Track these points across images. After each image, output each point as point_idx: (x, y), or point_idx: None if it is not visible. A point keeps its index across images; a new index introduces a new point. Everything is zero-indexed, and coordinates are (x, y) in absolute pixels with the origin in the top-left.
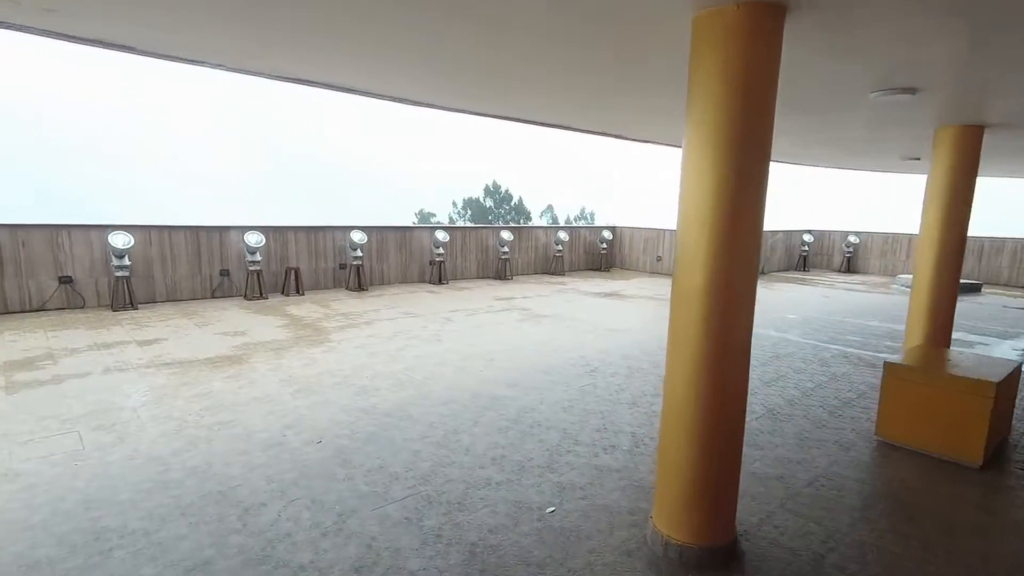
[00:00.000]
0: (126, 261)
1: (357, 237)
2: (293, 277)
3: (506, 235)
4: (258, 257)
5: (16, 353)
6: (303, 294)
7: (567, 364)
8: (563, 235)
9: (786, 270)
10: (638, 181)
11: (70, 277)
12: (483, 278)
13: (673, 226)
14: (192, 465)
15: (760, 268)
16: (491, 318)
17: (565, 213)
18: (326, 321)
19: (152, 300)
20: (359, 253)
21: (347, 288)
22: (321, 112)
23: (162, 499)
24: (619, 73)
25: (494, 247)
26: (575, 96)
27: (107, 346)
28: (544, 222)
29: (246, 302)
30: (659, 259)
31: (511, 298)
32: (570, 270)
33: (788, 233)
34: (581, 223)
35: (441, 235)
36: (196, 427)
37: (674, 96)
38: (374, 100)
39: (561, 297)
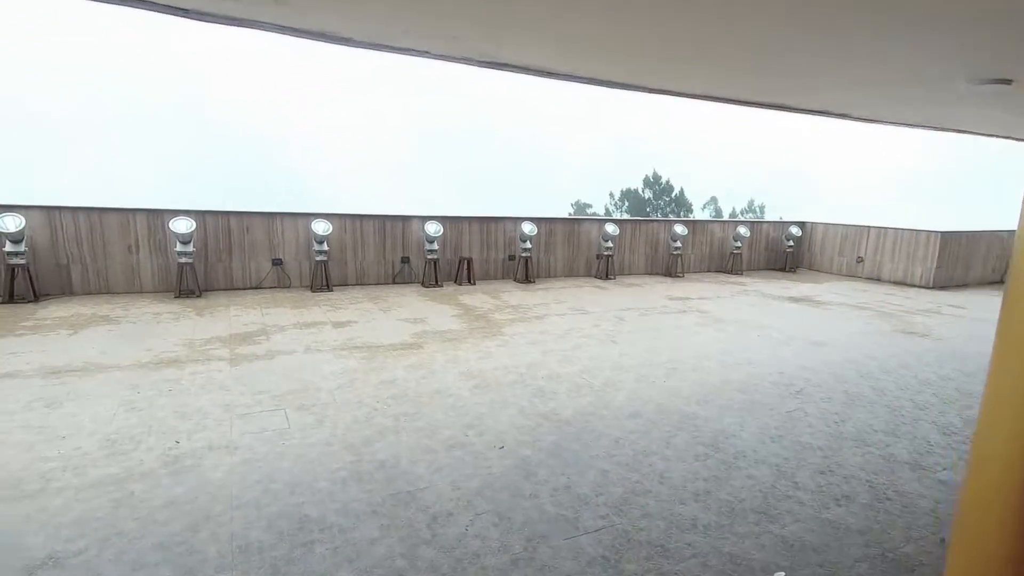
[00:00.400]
0: (325, 247)
1: (527, 228)
2: (466, 267)
3: (679, 229)
4: (435, 247)
5: (240, 327)
6: (474, 283)
7: (764, 381)
8: (743, 230)
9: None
10: (820, 174)
11: (280, 260)
12: (652, 274)
13: (876, 223)
14: (381, 459)
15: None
16: (667, 320)
17: (730, 205)
18: (497, 313)
19: (344, 283)
20: (528, 245)
21: (515, 279)
22: (487, 99)
23: (356, 492)
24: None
25: (665, 242)
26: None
27: (308, 325)
28: (707, 215)
29: (423, 289)
30: (860, 260)
31: (686, 298)
32: (748, 269)
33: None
34: (749, 216)
35: (611, 228)
36: (384, 416)
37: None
38: (547, 86)
39: (744, 300)
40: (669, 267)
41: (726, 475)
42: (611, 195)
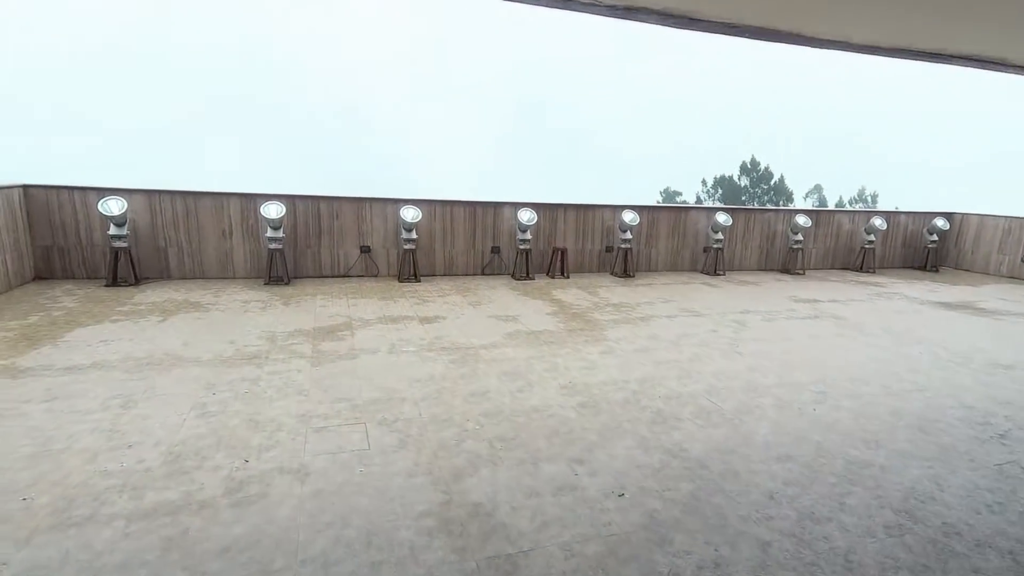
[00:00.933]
0: (413, 235)
1: (628, 217)
2: (559, 258)
3: (801, 220)
4: (528, 236)
5: (325, 319)
6: (568, 276)
7: (948, 416)
8: (878, 222)
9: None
10: (942, 162)
11: (368, 247)
12: (767, 270)
13: None
14: (475, 500)
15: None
16: (798, 328)
17: (836, 195)
18: (596, 312)
19: (431, 273)
20: (628, 236)
21: (612, 273)
22: (579, 82)
23: (444, 551)
24: None
25: (783, 234)
26: None
27: (393, 320)
28: (809, 204)
29: (514, 282)
30: None
31: (814, 300)
32: (881, 267)
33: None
34: (859, 206)
35: (722, 218)
36: (476, 439)
37: None
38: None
39: (885, 304)
40: (787, 263)
41: (941, 565)
42: (703, 182)
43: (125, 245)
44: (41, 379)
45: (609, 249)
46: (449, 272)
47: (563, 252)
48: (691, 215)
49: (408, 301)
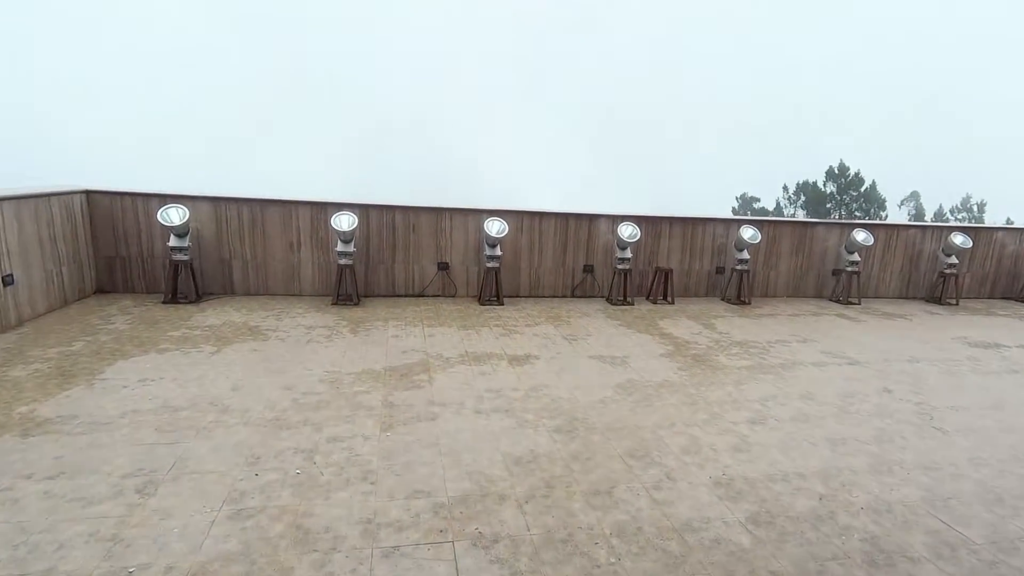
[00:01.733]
0: (497, 251)
1: (748, 234)
2: (663, 280)
3: (959, 240)
4: (628, 255)
5: (398, 355)
6: (672, 302)
7: None
8: None
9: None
10: None
11: (447, 264)
12: (910, 298)
13: None
14: None
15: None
16: (996, 385)
17: (935, 202)
18: (721, 354)
19: (515, 294)
20: (745, 256)
21: (724, 299)
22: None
23: None
24: None
25: (929, 255)
26: None
27: (477, 359)
28: (905, 215)
29: (610, 308)
30: None
31: (996, 345)
32: None
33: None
34: (962, 216)
35: (861, 236)
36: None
37: None
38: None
39: None
40: (934, 290)
41: None
42: (784, 188)
43: (186, 258)
44: (57, 438)
45: (720, 270)
46: (535, 293)
47: (668, 274)
48: (818, 232)
49: (492, 332)
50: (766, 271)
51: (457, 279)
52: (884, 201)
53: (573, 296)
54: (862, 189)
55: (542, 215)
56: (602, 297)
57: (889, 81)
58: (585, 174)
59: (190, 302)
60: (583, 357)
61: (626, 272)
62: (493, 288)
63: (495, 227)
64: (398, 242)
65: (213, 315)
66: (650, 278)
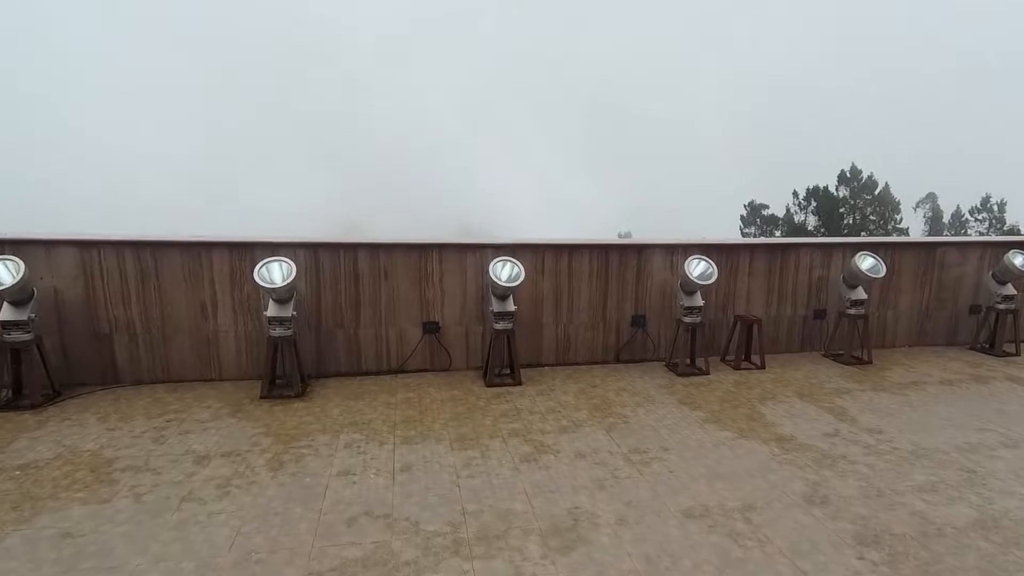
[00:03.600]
0: (510, 306)
1: (866, 265)
2: (746, 333)
3: None
4: (699, 301)
5: (332, 536)
6: (763, 365)
7: None
8: None
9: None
10: None
11: (437, 323)
12: None
13: None
14: None
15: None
16: None
17: (952, 203)
18: (898, 480)
19: (536, 362)
20: (861, 295)
21: (828, 354)
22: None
23: None
24: None
25: None
26: None
27: (485, 538)
28: (920, 219)
29: (676, 379)
30: None
31: None
32: None
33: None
34: (981, 217)
35: (1020, 260)
36: None
37: None
38: None
39: None
40: None
41: None
42: (794, 194)
43: (27, 337)
44: None
45: (820, 314)
46: (565, 359)
47: (754, 324)
48: (950, 255)
49: (508, 451)
50: (881, 311)
51: (452, 343)
52: (899, 204)
53: (618, 360)
54: (875, 192)
55: (572, 248)
56: (659, 361)
57: (893, 78)
58: (582, 176)
59: (35, 405)
60: (671, 514)
61: (695, 327)
62: (505, 358)
63: (506, 271)
64: (364, 296)
65: (57, 431)
66: (728, 332)
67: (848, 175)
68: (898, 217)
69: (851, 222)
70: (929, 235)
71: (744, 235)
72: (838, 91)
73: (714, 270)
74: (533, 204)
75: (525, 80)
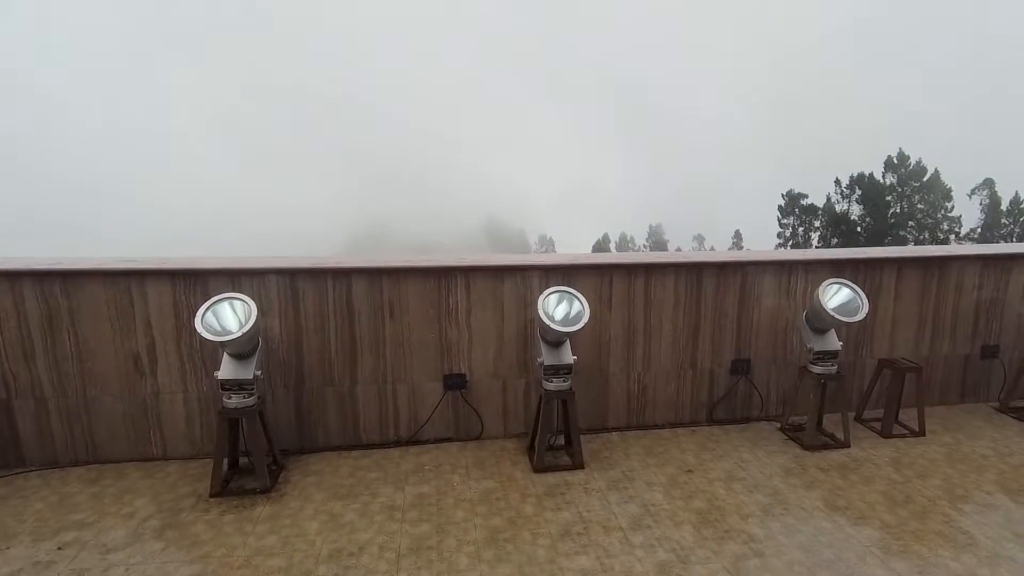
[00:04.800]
0: (568, 356)
1: None
2: (899, 385)
3: None
4: (837, 344)
5: None
6: (923, 433)
7: None
8: None
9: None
10: None
11: (463, 377)
12: None
13: None
14: None
15: None
16: None
17: (1010, 190)
18: None
19: (602, 424)
20: None
21: (1003, 408)
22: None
23: None
24: None
25: None
26: None
27: None
28: (976, 206)
29: (804, 455)
30: None
31: None
32: None
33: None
34: None
35: None
36: None
37: None
38: None
39: None
40: None
41: None
42: (836, 182)
43: None
44: None
45: (991, 352)
46: (639, 421)
47: (913, 375)
48: None
49: None
50: None
51: (483, 402)
52: (950, 191)
53: (712, 422)
54: (924, 179)
55: (649, 268)
56: (768, 421)
57: (946, 60)
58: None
59: None
60: None
61: (826, 379)
62: (556, 423)
63: (562, 309)
64: (362, 339)
65: None
66: (870, 380)
67: (896, 160)
68: (949, 205)
69: (898, 210)
70: (986, 223)
71: (782, 227)
72: (880, 73)
73: (862, 301)
74: (552, 192)
75: (546, 63)
